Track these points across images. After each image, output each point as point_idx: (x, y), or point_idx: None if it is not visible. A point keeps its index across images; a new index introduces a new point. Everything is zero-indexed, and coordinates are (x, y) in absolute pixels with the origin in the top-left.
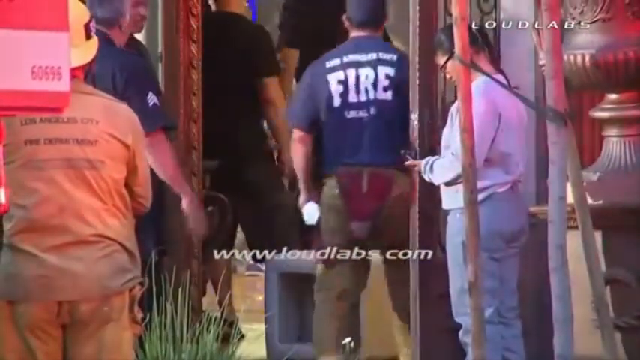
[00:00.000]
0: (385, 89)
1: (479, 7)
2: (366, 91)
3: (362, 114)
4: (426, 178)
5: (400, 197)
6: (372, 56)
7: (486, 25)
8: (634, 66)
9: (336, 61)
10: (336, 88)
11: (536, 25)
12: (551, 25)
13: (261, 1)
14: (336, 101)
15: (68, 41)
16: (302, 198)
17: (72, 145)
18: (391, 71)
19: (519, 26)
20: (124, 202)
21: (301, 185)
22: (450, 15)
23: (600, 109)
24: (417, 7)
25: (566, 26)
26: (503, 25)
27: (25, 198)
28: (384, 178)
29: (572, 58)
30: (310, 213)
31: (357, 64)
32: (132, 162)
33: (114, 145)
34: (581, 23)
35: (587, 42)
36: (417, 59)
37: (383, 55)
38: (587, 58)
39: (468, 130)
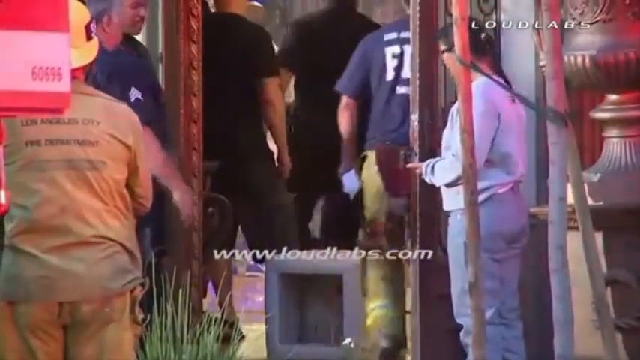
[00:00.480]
0: None
1: (479, 8)
2: None
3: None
4: (427, 180)
5: None
6: None
7: (486, 26)
8: (634, 67)
9: (394, 35)
10: (390, 62)
11: (536, 26)
12: (550, 25)
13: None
14: (389, 75)
15: (69, 42)
16: (344, 166)
17: (73, 145)
18: None
19: (519, 26)
20: (124, 203)
21: (344, 152)
22: (451, 15)
23: (601, 109)
24: (417, 8)
25: (566, 26)
26: (503, 26)
27: (27, 199)
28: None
29: (572, 58)
30: (351, 181)
31: None
32: (133, 162)
33: (115, 145)
34: (582, 24)
35: (587, 43)
36: (417, 60)
37: None
38: (587, 59)
39: (468, 131)
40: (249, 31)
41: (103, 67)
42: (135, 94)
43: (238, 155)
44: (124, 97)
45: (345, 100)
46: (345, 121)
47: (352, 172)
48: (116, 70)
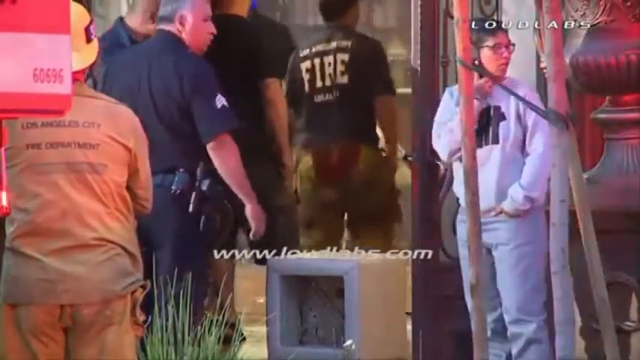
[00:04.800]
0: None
1: (480, 10)
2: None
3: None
4: (526, 205)
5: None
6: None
7: (486, 26)
8: (636, 69)
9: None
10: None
11: (536, 26)
12: (550, 25)
13: (261, 3)
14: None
15: (69, 44)
16: None
17: (74, 148)
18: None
19: (519, 26)
20: (125, 205)
21: None
22: (452, 17)
23: (602, 111)
24: (419, 10)
25: (566, 26)
26: (503, 26)
27: (27, 201)
28: None
29: (573, 60)
30: None
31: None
32: (133, 164)
33: (115, 148)
34: (582, 25)
35: (588, 45)
36: (418, 61)
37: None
38: (588, 61)
39: (469, 133)
40: (250, 31)
41: (187, 69)
42: (221, 101)
43: (240, 156)
44: (208, 101)
45: None
46: None
47: None
48: (202, 75)
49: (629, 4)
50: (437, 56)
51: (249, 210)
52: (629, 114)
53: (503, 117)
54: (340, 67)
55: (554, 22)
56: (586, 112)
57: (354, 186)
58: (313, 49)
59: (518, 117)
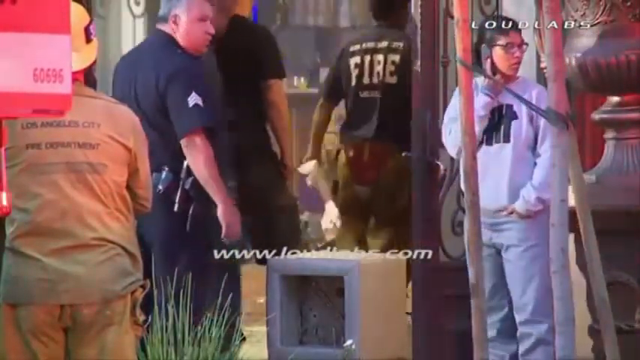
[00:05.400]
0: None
1: (480, 10)
2: None
3: None
4: (538, 206)
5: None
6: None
7: (486, 26)
8: (636, 69)
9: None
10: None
11: (536, 26)
12: (550, 25)
13: (261, 4)
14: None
15: (69, 43)
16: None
17: (73, 148)
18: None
19: (519, 26)
20: (125, 205)
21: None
22: (452, 17)
23: (602, 111)
24: (419, 10)
25: (566, 26)
26: (503, 26)
27: (27, 202)
28: None
29: (573, 60)
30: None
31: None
32: (133, 164)
33: (115, 147)
34: (582, 25)
35: (588, 45)
36: (418, 62)
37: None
38: (588, 61)
39: (469, 133)
40: (253, 32)
41: (164, 65)
42: (194, 99)
43: (241, 156)
44: (180, 98)
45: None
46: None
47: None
48: (177, 72)
49: (629, 4)
50: (437, 56)
51: (219, 210)
52: (629, 114)
53: (515, 116)
54: (390, 67)
55: (554, 22)
56: (586, 112)
57: (384, 187)
58: (363, 46)
59: (530, 117)
